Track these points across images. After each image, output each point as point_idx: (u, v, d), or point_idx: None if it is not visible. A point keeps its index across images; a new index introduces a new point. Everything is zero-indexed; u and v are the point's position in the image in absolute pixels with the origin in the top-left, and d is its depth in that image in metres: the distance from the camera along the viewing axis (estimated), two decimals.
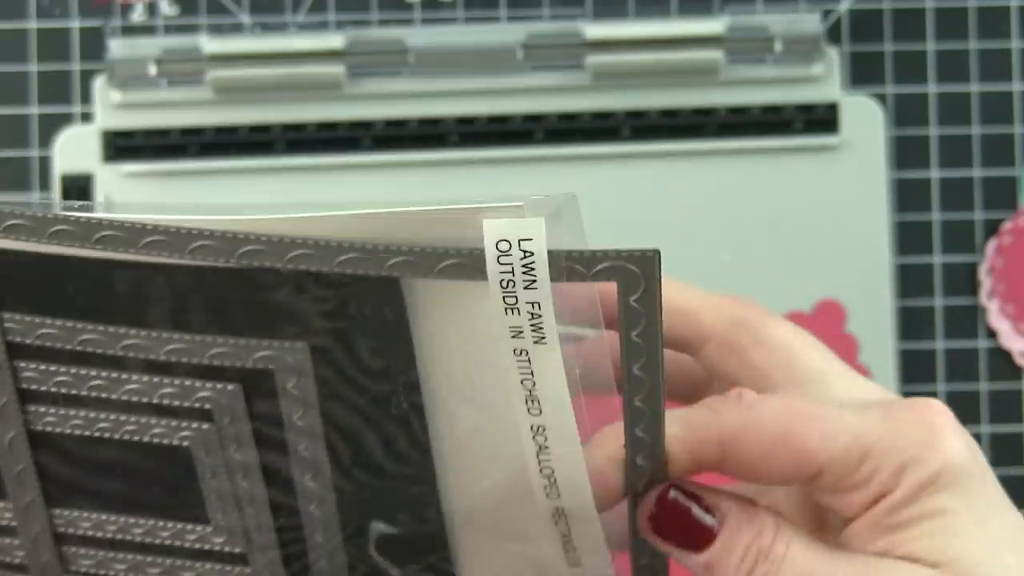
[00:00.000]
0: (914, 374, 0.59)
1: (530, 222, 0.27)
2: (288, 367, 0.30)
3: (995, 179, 0.59)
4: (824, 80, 0.58)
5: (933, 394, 0.59)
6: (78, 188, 0.58)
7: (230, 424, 0.31)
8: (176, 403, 0.31)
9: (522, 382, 0.29)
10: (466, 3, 0.59)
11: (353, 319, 0.30)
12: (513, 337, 0.29)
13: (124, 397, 0.31)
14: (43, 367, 0.31)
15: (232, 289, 0.29)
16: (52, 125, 0.58)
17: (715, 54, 0.57)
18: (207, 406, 0.31)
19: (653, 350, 0.29)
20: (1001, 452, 0.59)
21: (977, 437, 0.59)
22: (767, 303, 0.58)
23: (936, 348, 0.59)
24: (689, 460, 0.31)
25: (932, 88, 0.59)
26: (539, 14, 0.59)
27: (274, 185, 0.58)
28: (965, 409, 0.59)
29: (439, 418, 0.31)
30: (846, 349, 0.58)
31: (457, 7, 0.59)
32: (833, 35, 0.59)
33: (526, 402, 0.30)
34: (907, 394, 0.58)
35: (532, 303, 0.28)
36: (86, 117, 0.58)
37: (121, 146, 0.58)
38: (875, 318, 0.58)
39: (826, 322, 0.58)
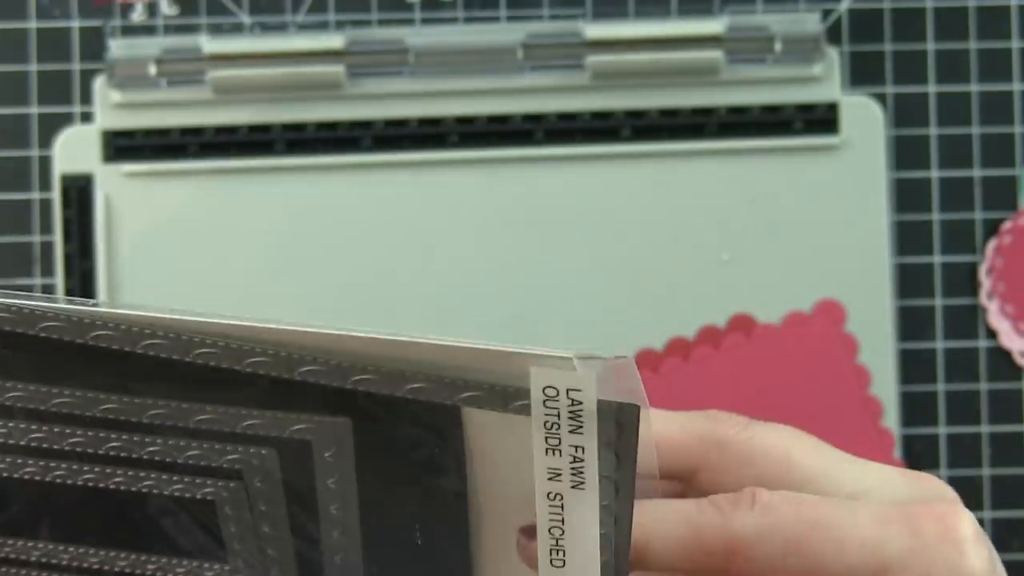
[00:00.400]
0: (914, 374, 0.59)
1: (581, 375, 0.28)
2: (327, 439, 0.30)
3: (995, 179, 0.59)
4: (824, 80, 0.58)
5: (933, 394, 0.59)
6: (78, 188, 0.58)
7: (260, 483, 0.31)
8: (203, 463, 0.31)
9: (550, 530, 0.29)
10: (466, 3, 0.59)
11: (403, 407, 0.30)
12: (550, 479, 0.29)
13: (146, 457, 0.31)
14: (57, 429, 0.31)
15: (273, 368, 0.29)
16: (52, 125, 0.58)
17: (715, 54, 0.57)
18: (237, 467, 0.31)
19: (625, 490, 0.29)
20: (1001, 452, 0.59)
21: (977, 438, 0.59)
22: (767, 303, 0.58)
23: (936, 348, 0.59)
24: (690, 565, 0.30)
25: (932, 88, 0.59)
26: (539, 14, 0.59)
27: (274, 185, 0.58)
28: (965, 409, 0.59)
29: (482, 519, 0.31)
30: (846, 349, 0.58)
31: (457, 7, 0.59)
32: (833, 35, 0.59)
33: (550, 553, 0.30)
34: (907, 395, 0.58)
35: (576, 447, 0.28)
36: (86, 117, 0.58)
37: (121, 146, 0.58)
38: (875, 318, 0.58)
39: (826, 322, 0.58)
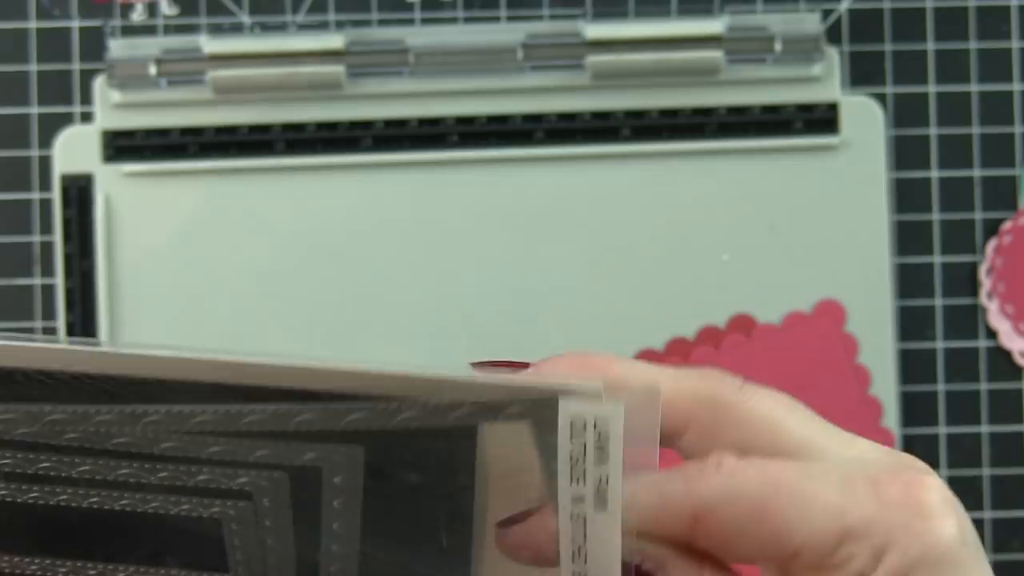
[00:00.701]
0: (914, 374, 0.59)
1: (609, 409, 0.28)
2: (338, 464, 0.30)
3: (995, 179, 0.59)
4: (824, 80, 0.58)
5: (933, 394, 0.59)
6: (78, 188, 0.58)
7: (268, 502, 0.31)
8: (213, 486, 0.31)
9: (572, 539, 0.30)
10: (466, 3, 0.59)
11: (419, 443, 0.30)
12: (573, 503, 0.29)
13: (155, 481, 0.31)
14: (67, 459, 0.31)
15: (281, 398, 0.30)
16: (52, 125, 0.58)
17: (715, 54, 0.57)
18: (247, 488, 0.31)
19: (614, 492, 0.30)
20: (1001, 452, 0.59)
21: (977, 437, 0.59)
22: (767, 303, 0.58)
23: (936, 348, 0.59)
24: (662, 532, 0.30)
25: (932, 88, 0.59)
26: (539, 14, 0.59)
27: (274, 185, 0.58)
28: (965, 409, 0.59)
29: (485, 549, 0.31)
30: (846, 349, 0.58)
31: (457, 7, 0.59)
32: (833, 35, 0.59)
33: (572, 558, 0.30)
34: (907, 395, 0.58)
35: (601, 477, 0.28)
36: (86, 117, 0.58)
37: (121, 146, 0.58)
38: (875, 318, 0.58)
39: (826, 322, 0.58)
